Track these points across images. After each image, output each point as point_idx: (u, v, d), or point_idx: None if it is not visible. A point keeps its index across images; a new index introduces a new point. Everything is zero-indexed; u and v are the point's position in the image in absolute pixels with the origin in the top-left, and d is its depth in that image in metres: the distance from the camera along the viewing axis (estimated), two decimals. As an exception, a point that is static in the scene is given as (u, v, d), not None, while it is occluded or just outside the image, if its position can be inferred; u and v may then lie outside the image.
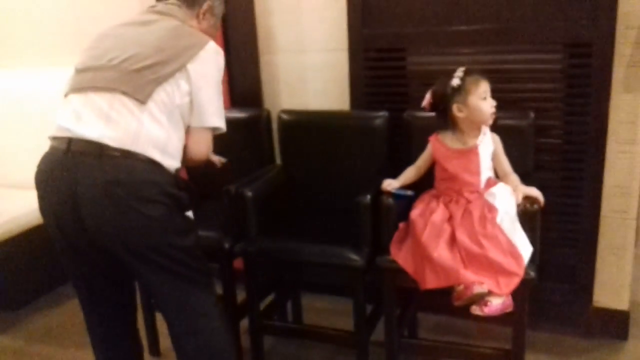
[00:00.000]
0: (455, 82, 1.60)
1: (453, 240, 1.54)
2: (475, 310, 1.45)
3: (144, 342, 1.68)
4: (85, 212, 1.27)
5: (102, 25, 1.45)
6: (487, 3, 1.87)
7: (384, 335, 1.73)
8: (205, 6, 1.49)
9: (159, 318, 1.64)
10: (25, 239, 2.35)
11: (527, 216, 1.56)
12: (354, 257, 1.67)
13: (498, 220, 1.54)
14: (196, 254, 1.39)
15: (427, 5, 1.94)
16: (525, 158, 1.79)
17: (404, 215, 1.68)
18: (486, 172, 1.67)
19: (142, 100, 1.28)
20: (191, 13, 1.48)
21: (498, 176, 1.71)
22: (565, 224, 1.95)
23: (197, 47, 1.36)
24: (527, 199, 1.59)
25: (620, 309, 1.98)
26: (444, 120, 1.67)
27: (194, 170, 1.78)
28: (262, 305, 1.93)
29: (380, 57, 2.08)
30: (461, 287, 1.46)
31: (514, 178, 1.67)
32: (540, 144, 1.88)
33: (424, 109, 1.70)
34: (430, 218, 1.59)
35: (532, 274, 1.51)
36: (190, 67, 1.33)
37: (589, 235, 1.92)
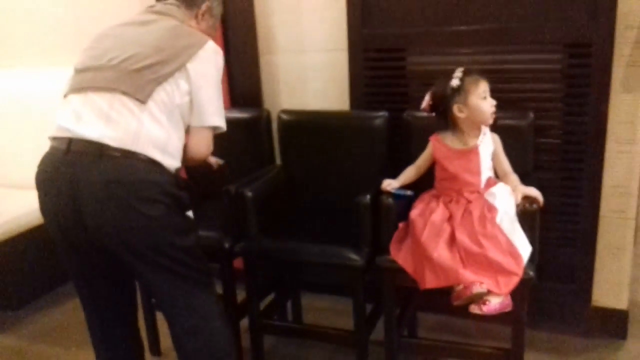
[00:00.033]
0: (455, 82, 1.60)
1: (452, 240, 1.55)
2: (474, 309, 1.45)
3: (145, 341, 1.68)
4: (85, 212, 1.27)
5: (102, 25, 1.45)
6: (486, 3, 1.87)
7: (383, 334, 1.74)
8: (204, 7, 1.50)
9: (160, 317, 1.65)
10: (26, 239, 2.35)
11: (526, 216, 1.56)
12: (354, 256, 1.67)
13: (497, 220, 1.54)
14: (196, 254, 1.40)
15: (427, 6, 1.94)
16: (524, 158, 1.79)
17: (404, 215, 1.68)
18: (486, 172, 1.67)
19: (142, 100, 1.29)
20: (190, 14, 1.48)
21: (498, 176, 1.72)
22: (565, 223, 1.96)
23: (197, 47, 1.36)
24: (527, 198, 1.59)
25: (619, 308, 1.98)
26: (445, 121, 1.67)
27: (194, 171, 1.78)
28: (262, 305, 1.93)
29: (380, 57, 2.08)
30: (460, 286, 1.47)
31: (514, 178, 1.68)
32: (539, 143, 1.88)
33: (423, 111, 1.70)
34: (429, 218, 1.59)
35: (531, 273, 1.51)
36: (189, 66, 1.34)
37: (588, 235, 1.93)
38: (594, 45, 1.77)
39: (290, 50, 2.20)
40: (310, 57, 2.18)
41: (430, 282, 1.52)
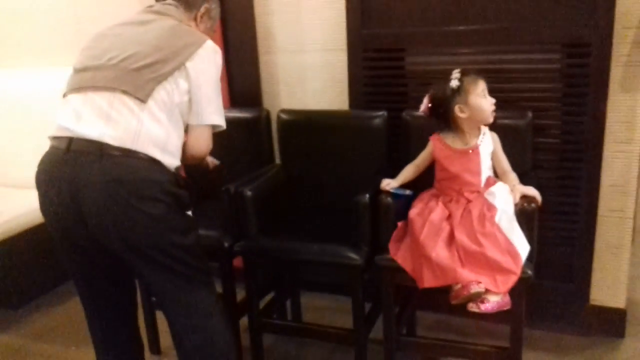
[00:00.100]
0: (455, 83, 1.61)
1: (451, 239, 1.55)
2: (473, 307, 1.46)
3: (145, 340, 1.69)
4: (86, 211, 1.28)
5: (102, 25, 1.46)
6: (485, 4, 1.88)
7: (382, 333, 1.74)
8: (202, 9, 1.51)
9: (160, 316, 1.65)
10: (26, 238, 2.36)
11: (524, 215, 1.56)
12: (353, 255, 1.68)
13: (496, 219, 1.55)
14: (196, 253, 1.40)
15: (426, 6, 1.95)
16: (523, 157, 1.80)
17: (403, 214, 1.68)
18: (486, 171, 1.68)
19: (142, 99, 1.29)
20: (189, 15, 1.49)
21: (497, 174, 1.72)
22: (563, 222, 1.96)
23: (196, 46, 1.36)
24: (525, 198, 1.60)
25: (617, 307, 1.99)
26: (446, 122, 1.67)
27: (193, 170, 1.79)
28: (262, 304, 1.93)
29: (379, 57, 2.08)
30: (458, 286, 1.47)
31: (513, 177, 1.68)
32: (538, 143, 1.89)
33: (423, 115, 1.70)
34: (428, 217, 1.60)
35: (530, 272, 1.52)
36: (189, 65, 1.34)
37: (586, 234, 1.93)
38: (593, 45, 1.77)
39: (289, 50, 2.21)
40: (309, 57, 2.18)
41: (428, 281, 1.52)
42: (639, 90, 1.79)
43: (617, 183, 1.88)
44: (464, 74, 1.62)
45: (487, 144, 1.69)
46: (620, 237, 1.93)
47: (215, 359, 1.45)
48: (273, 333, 2.05)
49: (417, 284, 1.57)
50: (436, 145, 1.71)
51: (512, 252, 1.50)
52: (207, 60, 1.38)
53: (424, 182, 1.77)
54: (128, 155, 1.28)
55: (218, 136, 1.47)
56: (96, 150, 1.27)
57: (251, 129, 2.11)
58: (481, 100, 1.63)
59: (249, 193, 1.80)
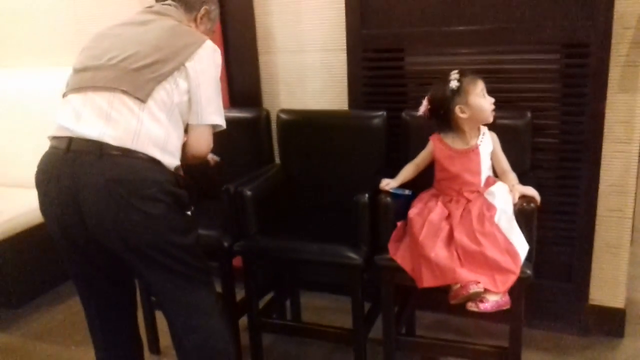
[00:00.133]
0: (454, 84, 1.61)
1: (450, 239, 1.55)
2: (472, 306, 1.46)
3: (144, 339, 1.69)
4: (86, 211, 1.28)
5: (102, 25, 1.46)
6: (484, 4, 1.88)
7: (382, 332, 1.74)
8: (202, 11, 1.51)
9: (159, 316, 1.65)
10: (26, 238, 2.36)
11: (523, 215, 1.57)
12: (353, 255, 1.68)
13: (496, 219, 1.55)
14: (196, 253, 1.40)
15: (425, 6, 1.95)
16: (522, 157, 1.80)
17: (403, 213, 1.69)
18: (486, 171, 1.68)
19: (142, 99, 1.29)
20: (189, 17, 1.50)
21: (496, 174, 1.73)
22: (562, 222, 1.97)
23: (195, 46, 1.37)
24: (524, 198, 1.60)
25: (616, 306, 2.00)
26: (447, 123, 1.67)
27: (193, 169, 1.79)
28: (261, 303, 1.94)
29: (379, 57, 2.09)
30: (457, 286, 1.48)
31: (512, 176, 1.68)
32: (537, 143, 1.89)
33: (423, 117, 1.70)
34: (428, 217, 1.60)
35: (529, 272, 1.52)
36: (188, 65, 1.34)
37: (585, 234, 1.94)
38: (591, 46, 1.78)
39: (289, 50, 2.21)
40: (309, 57, 2.19)
41: (427, 281, 1.52)
42: (638, 91, 1.79)
43: (616, 183, 1.88)
44: (462, 74, 1.63)
45: (487, 143, 1.69)
46: (619, 236, 1.93)
47: (214, 359, 1.45)
48: (272, 333, 2.05)
49: (416, 284, 1.57)
50: (436, 145, 1.71)
51: (511, 252, 1.51)
52: (207, 60, 1.38)
53: (423, 182, 1.78)
54: (128, 155, 1.28)
55: (218, 136, 1.47)
56: (96, 150, 1.27)
57: (251, 128, 2.11)
58: (481, 100, 1.63)
59: (248, 193, 1.80)
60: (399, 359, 1.77)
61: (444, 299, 1.53)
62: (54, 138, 1.34)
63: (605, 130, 1.84)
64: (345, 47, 2.09)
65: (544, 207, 1.66)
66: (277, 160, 2.16)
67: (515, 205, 1.58)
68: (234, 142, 2.01)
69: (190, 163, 1.47)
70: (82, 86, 1.34)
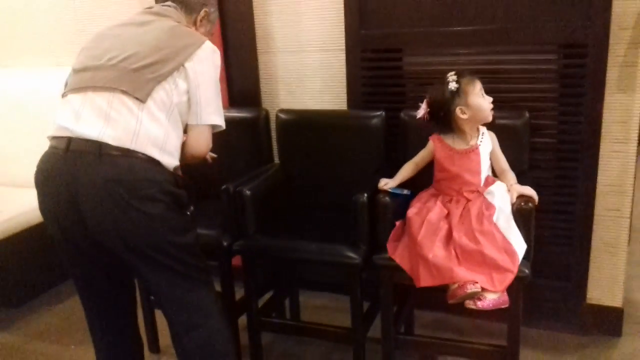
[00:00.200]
0: (453, 85, 1.62)
1: (449, 238, 1.56)
2: (470, 304, 1.47)
3: (144, 339, 1.69)
4: (85, 211, 1.28)
5: (102, 25, 1.47)
6: (482, 4, 1.89)
7: (380, 331, 1.75)
8: (202, 13, 1.52)
9: (159, 315, 1.66)
10: (26, 237, 2.36)
11: (521, 214, 1.57)
12: (351, 254, 1.69)
13: (494, 218, 1.56)
14: (195, 252, 1.41)
15: (424, 7, 1.96)
16: (520, 157, 1.81)
17: (402, 213, 1.69)
18: (485, 171, 1.69)
19: (141, 99, 1.30)
20: (188, 19, 1.51)
21: (495, 173, 1.73)
22: (560, 222, 1.97)
23: (195, 46, 1.37)
24: (522, 197, 1.61)
25: (614, 305, 2.00)
26: (447, 125, 1.68)
27: (193, 170, 1.80)
28: (261, 303, 1.94)
29: (377, 57, 2.09)
30: (455, 285, 1.48)
31: (511, 176, 1.69)
32: (535, 143, 1.90)
33: (422, 120, 1.70)
34: (426, 217, 1.61)
35: (527, 271, 1.53)
36: (188, 65, 1.35)
37: (583, 233, 1.94)
38: (589, 46, 1.78)
39: (288, 50, 2.22)
40: (308, 57, 2.19)
41: (425, 280, 1.53)
42: (635, 91, 1.80)
43: (613, 182, 1.89)
44: (460, 75, 1.63)
45: (487, 143, 1.70)
46: (617, 236, 1.94)
47: (214, 358, 1.45)
48: (272, 332, 2.06)
49: (414, 283, 1.57)
50: (437, 146, 1.71)
51: (509, 251, 1.51)
52: (206, 61, 1.39)
53: (422, 181, 1.78)
54: (127, 155, 1.28)
55: (217, 135, 1.48)
56: (95, 150, 1.27)
57: (250, 128, 2.11)
58: (480, 99, 1.64)
59: (247, 192, 1.81)
60: (397, 357, 1.78)
61: (442, 298, 1.54)
62: (54, 138, 1.34)
63: (603, 130, 1.85)
64: (344, 47, 2.10)
65: (542, 207, 1.67)
66: (277, 159, 2.17)
67: (513, 204, 1.59)
68: (233, 142, 2.02)
69: (190, 163, 1.48)
70: (81, 86, 1.35)
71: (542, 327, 2.07)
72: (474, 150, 1.67)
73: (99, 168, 1.27)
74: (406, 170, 1.77)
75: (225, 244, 1.81)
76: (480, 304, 1.45)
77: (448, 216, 1.61)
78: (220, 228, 1.85)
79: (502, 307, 1.48)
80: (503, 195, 1.61)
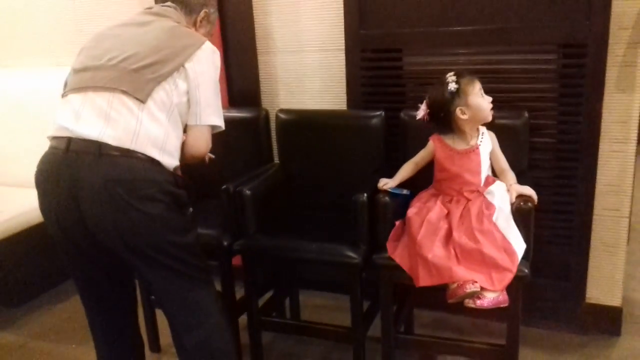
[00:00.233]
0: (453, 86, 1.62)
1: (448, 238, 1.56)
2: (469, 302, 1.47)
3: (145, 338, 1.70)
4: (85, 211, 1.28)
5: (102, 25, 1.47)
6: (482, 4, 1.89)
7: (380, 331, 1.75)
8: (202, 14, 1.52)
9: (160, 314, 1.66)
10: (27, 237, 2.36)
11: (521, 214, 1.58)
12: (351, 254, 1.69)
13: (494, 217, 1.56)
14: (196, 252, 1.41)
15: (424, 7, 1.96)
16: (519, 157, 1.81)
17: (401, 213, 1.70)
18: (486, 171, 1.69)
19: (141, 100, 1.30)
20: (188, 19, 1.51)
21: (495, 173, 1.74)
22: (559, 221, 1.98)
23: (194, 47, 1.38)
24: (521, 197, 1.61)
25: (613, 305, 2.01)
26: (447, 126, 1.68)
27: (193, 170, 1.80)
28: (261, 302, 1.95)
29: (377, 57, 2.10)
30: (454, 285, 1.49)
31: (511, 176, 1.69)
32: (534, 143, 1.90)
33: (422, 121, 1.71)
34: (426, 216, 1.61)
35: (526, 270, 1.53)
36: (188, 66, 1.35)
37: (582, 233, 1.95)
38: (588, 46, 1.79)
39: (288, 50, 2.22)
40: (308, 57, 2.20)
41: (424, 280, 1.53)
42: (635, 90, 1.80)
43: (612, 182, 1.89)
44: (459, 75, 1.64)
45: (487, 143, 1.70)
46: (616, 235, 1.94)
47: (214, 357, 1.46)
48: (272, 331, 2.06)
49: (414, 283, 1.58)
50: (437, 146, 1.71)
51: (509, 250, 1.52)
52: (206, 62, 1.39)
53: (422, 181, 1.78)
54: (127, 155, 1.28)
55: (217, 135, 1.48)
56: (95, 150, 1.27)
57: (250, 128, 2.12)
58: (480, 99, 1.64)
59: (248, 192, 1.81)
60: (397, 357, 1.78)
61: (442, 298, 1.54)
62: (54, 138, 1.35)
63: (602, 130, 1.85)
64: (343, 47, 2.10)
65: (541, 206, 1.67)
66: (276, 159, 2.17)
67: (512, 204, 1.60)
68: (233, 142, 2.02)
69: (189, 163, 1.48)
70: (81, 86, 1.35)
71: (542, 327, 2.08)
72: (474, 150, 1.68)
73: (99, 168, 1.27)
74: (406, 170, 1.78)
75: (225, 243, 1.82)
76: (479, 303, 1.45)
77: (448, 216, 1.62)
78: (220, 228, 1.85)
79: (502, 306, 1.48)
80: (503, 195, 1.62)
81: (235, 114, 2.11)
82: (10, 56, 2.77)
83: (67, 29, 2.59)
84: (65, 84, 1.42)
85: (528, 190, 1.62)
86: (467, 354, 1.73)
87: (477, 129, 1.70)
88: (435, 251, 1.53)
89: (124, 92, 1.31)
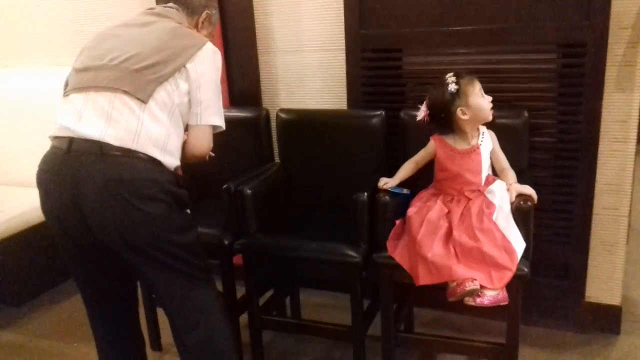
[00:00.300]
0: (453, 87, 1.62)
1: (448, 237, 1.57)
2: (469, 300, 1.48)
3: (146, 336, 1.70)
4: (86, 210, 1.29)
5: (102, 25, 1.48)
6: (481, 4, 1.89)
7: (380, 329, 1.76)
8: (204, 15, 1.53)
9: (161, 313, 1.67)
10: (28, 236, 2.37)
11: (520, 213, 1.58)
12: (352, 253, 1.70)
13: (493, 216, 1.56)
14: (196, 251, 1.41)
15: (423, 7, 1.96)
16: (519, 156, 1.81)
17: (402, 212, 1.70)
18: (486, 170, 1.70)
19: (143, 100, 1.31)
20: (190, 20, 1.51)
21: (496, 171, 1.74)
22: (558, 220, 1.98)
23: (196, 48, 1.38)
24: (521, 196, 1.61)
25: (612, 304, 2.01)
26: (448, 126, 1.68)
27: (194, 169, 1.81)
28: (261, 301, 1.95)
29: (377, 57, 2.10)
30: (454, 283, 1.49)
31: (511, 175, 1.70)
32: (534, 142, 1.91)
33: (422, 122, 1.71)
34: (426, 215, 1.61)
35: (525, 269, 1.53)
36: (189, 66, 1.36)
37: (582, 232, 1.95)
38: (588, 46, 1.79)
39: (288, 50, 2.22)
40: (308, 56, 2.20)
41: (423, 278, 1.54)
42: (634, 90, 1.81)
43: (612, 181, 1.90)
44: (458, 76, 1.64)
45: (487, 143, 1.71)
46: (615, 234, 1.95)
47: (215, 356, 1.46)
48: (272, 330, 2.06)
49: (414, 281, 1.58)
50: (438, 146, 1.72)
51: (508, 249, 1.52)
52: (207, 62, 1.40)
53: (422, 180, 1.79)
54: (128, 155, 1.29)
55: (218, 135, 1.49)
56: (96, 150, 1.28)
57: (251, 128, 2.12)
58: (480, 99, 1.65)
59: (248, 191, 1.81)
60: (397, 355, 1.79)
61: (442, 297, 1.55)
62: (55, 138, 1.35)
63: (602, 129, 1.85)
64: (344, 47, 2.10)
65: (541, 206, 1.68)
66: (277, 159, 2.18)
67: (512, 203, 1.60)
68: (234, 142, 2.02)
69: (190, 162, 1.49)
70: (83, 86, 1.35)
71: (541, 325, 2.08)
72: (475, 150, 1.68)
73: (100, 168, 1.27)
74: (406, 170, 1.78)
75: (226, 242, 1.82)
76: (479, 301, 1.46)
77: (448, 215, 1.62)
78: (221, 227, 1.86)
79: (502, 304, 1.49)
80: (503, 194, 1.62)
81: (236, 113, 2.11)
82: (10, 56, 2.77)
83: (67, 29, 2.59)
84: (66, 84, 1.42)
85: (528, 190, 1.63)
86: (467, 353, 1.74)
87: (478, 129, 1.71)
88: (435, 250, 1.53)
89: (126, 93, 1.31)
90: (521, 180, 1.68)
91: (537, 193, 1.63)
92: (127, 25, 1.45)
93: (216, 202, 1.92)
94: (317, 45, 2.17)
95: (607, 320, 2.02)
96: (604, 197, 1.92)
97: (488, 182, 1.68)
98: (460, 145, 1.70)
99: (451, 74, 1.65)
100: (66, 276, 2.55)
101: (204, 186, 1.93)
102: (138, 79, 1.32)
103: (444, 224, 1.59)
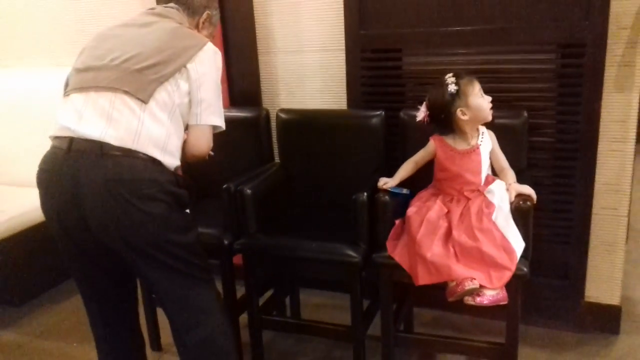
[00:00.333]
0: (453, 87, 1.63)
1: (448, 236, 1.57)
2: (468, 300, 1.48)
3: (146, 336, 1.70)
4: (86, 210, 1.29)
5: (102, 25, 1.48)
6: (481, 4, 1.89)
7: (380, 329, 1.76)
8: (204, 15, 1.53)
9: (160, 313, 1.67)
10: (28, 236, 2.37)
11: (520, 213, 1.58)
12: (351, 253, 1.70)
13: (493, 216, 1.57)
14: (196, 251, 1.42)
15: (423, 7, 1.96)
16: (518, 156, 1.82)
17: (401, 212, 1.70)
18: (486, 170, 1.70)
19: (143, 100, 1.31)
20: (191, 21, 1.51)
21: (495, 171, 1.74)
22: (558, 220, 1.98)
23: (196, 48, 1.38)
24: (520, 196, 1.62)
25: (611, 303, 2.01)
26: (448, 127, 1.69)
27: (194, 169, 1.81)
28: (261, 301, 1.95)
29: (377, 57, 2.10)
30: (453, 283, 1.50)
31: (511, 174, 1.70)
32: (533, 142, 1.91)
33: (422, 123, 1.71)
34: (426, 215, 1.62)
35: (525, 269, 1.54)
36: (189, 67, 1.36)
37: (581, 232, 1.95)
38: (587, 46, 1.79)
39: (288, 50, 2.23)
40: (308, 57, 2.20)
41: (423, 278, 1.54)
42: (633, 90, 1.81)
43: (611, 181, 1.90)
44: (458, 76, 1.64)
45: (487, 143, 1.71)
46: (615, 234, 1.95)
47: (215, 356, 1.46)
48: (272, 329, 2.06)
49: (413, 281, 1.59)
50: (438, 146, 1.72)
51: (508, 249, 1.52)
52: (208, 63, 1.40)
53: (421, 180, 1.79)
54: (128, 155, 1.29)
55: (218, 135, 1.49)
56: (97, 150, 1.28)
57: (251, 128, 2.12)
58: (480, 99, 1.65)
59: (248, 191, 1.82)
60: (397, 355, 1.79)
61: (441, 296, 1.55)
62: (56, 138, 1.35)
63: (601, 129, 1.86)
64: (344, 47, 2.10)
65: (540, 205, 1.68)
66: (277, 159, 2.18)
67: (512, 203, 1.60)
68: (234, 142, 2.03)
69: (190, 162, 1.49)
70: (84, 86, 1.35)
71: (541, 325, 2.08)
72: (475, 150, 1.68)
73: (100, 168, 1.27)
74: (405, 170, 1.78)
75: (226, 242, 1.83)
76: (479, 300, 1.46)
77: (448, 214, 1.62)
78: (221, 227, 1.86)
79: (501, 303, 1.49)
80: (502, 193, 1.62)
81: (236, 113, 2.11)
82: (10, 56, 2.77)
83: (67, 29, 2.59)
84: (67, 84, 1.42)
85: (527, 190, 1.63)
86: (466, 353, 1.74)
87: (477, 129, 1.71)
88: (434, 250, 1.54)
89: (126, 93, 1.31)
90: (520, 180, 1.69)
91: (537, 193, 1.64)
92: (127, 26, 1.45)
93: (216, 202, 1.92)
94: (317, 45, 2.18)
95: (607, 320, 2.03)
96: (603, 197, 1.92)
97: (487, 182, 1.68)
98: (460, 146, 1.70)
99: (451, 74, 1.66)
100: (66, 276, 2.54)
101: (204, 186, 1.93)
102: (139, 79, 1.32)
103: (444, 224, 1.60)
